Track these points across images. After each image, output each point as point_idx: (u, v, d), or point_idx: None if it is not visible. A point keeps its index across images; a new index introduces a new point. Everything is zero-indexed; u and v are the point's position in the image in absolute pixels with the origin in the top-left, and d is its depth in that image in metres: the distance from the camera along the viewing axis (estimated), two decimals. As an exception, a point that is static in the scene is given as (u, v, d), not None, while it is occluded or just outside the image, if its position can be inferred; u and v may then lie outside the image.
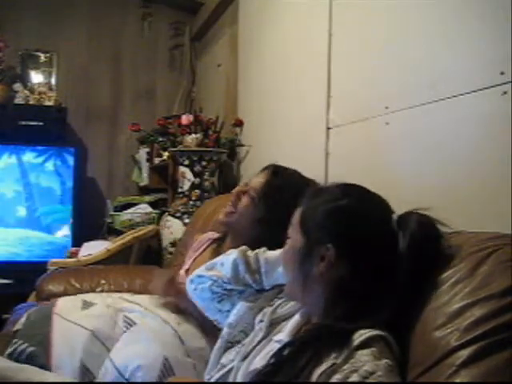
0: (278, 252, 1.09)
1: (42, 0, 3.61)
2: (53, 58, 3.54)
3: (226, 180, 2.87)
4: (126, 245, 2.61)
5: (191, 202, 2.64)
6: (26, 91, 3.33)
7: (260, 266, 1.10)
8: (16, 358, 1.25)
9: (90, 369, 1.23)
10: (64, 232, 3.27)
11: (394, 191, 1.04)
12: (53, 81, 3.53)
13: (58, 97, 3.41)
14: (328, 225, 0.91)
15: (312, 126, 1.92)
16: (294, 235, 0.96)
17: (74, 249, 2.83)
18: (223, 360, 1.03)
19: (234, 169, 2.93)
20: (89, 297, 1.52)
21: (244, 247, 1.16)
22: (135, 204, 3.27)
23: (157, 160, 3.36)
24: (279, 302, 1.05)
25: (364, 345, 0.79)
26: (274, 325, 1.00)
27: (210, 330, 1.29)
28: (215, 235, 1.66)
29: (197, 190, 2.64)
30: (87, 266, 2.38)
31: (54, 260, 2.46)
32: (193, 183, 2.65)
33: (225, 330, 1.08)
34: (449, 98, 1.24)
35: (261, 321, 1.02)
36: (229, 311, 1.13)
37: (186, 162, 2.66)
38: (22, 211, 3.27)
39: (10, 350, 1.27)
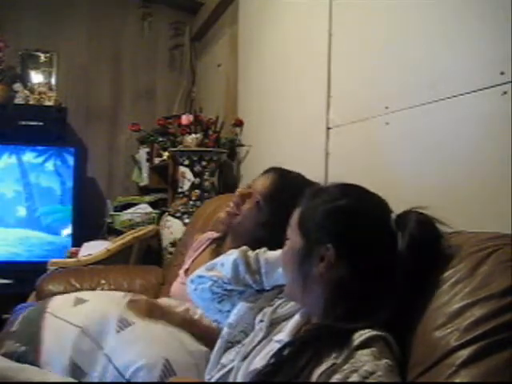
0: (278, 252, 1.09)
1: (42, 0, 3.61)
2: (53, 57, 3.54)
3: (226, 180, 2.87)
4: (125, 245, 2.61)
5: (191, 202, 2.64)
6: (26, 91, 3.33)
7: (260, 266, 1.10)
8: (9, 358, 1.26)
9: (81, 366, 1.22)
10: (67, 232, 3.27)
11: (394, 191, 1.04)
12: (53, 81, 3.53)
13: (57, 97, 3.41)
14: (327, 225, 0.91)
15: (312, 126, 1.92)
16: (293, 236, 0.96)
17: (74, 249, 2.83)
18: (223, 360, 1.03)
19: (233, 169, 2.93)
20: (82, 294, 1.51)
21: (244, 247, 1.16)
22: (135, 204, 3.27)
23: (157, 160, 3.36)
24: (279, 302, 1.05)
25: (364, 345, 0.79)
26: (274, 325, 1.00)
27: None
28: (215, 235, 1.66)
29: (197, 190, 2.64)
30: (87, 265, 2.38)
31: (54, 260, 2.46)
32: (193, 183, 2.65)
33: (225, 330, 1.08)
34: (449, 98, 1.24)
35: (261, 321, 1.02)
36: (229, 311, 1.13)
37: (186, 162, 2.66)
38: (21, 211, 3.27)
39: (2, 351, 1.27)
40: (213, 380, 1.02)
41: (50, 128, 3.25)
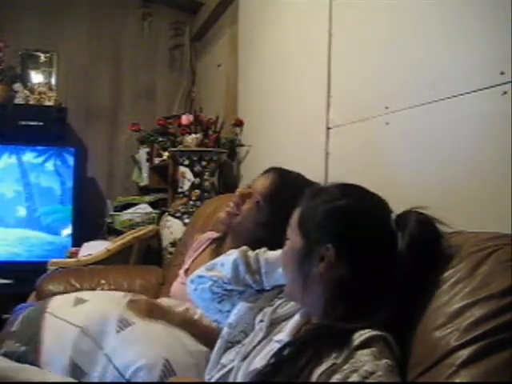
0: (278, 252, 1.09)
1: (42, 0, 3.61)
2: (53, 57, 3.54)
3: (226, 180, 2.87)
4: (125, 245, 2.61)
5: (191, 202, 2.64)
6: (26, 91, 3.33)
7: (260, 266, 1.10)
8: (9, 358, 1.26)
9: (81, 366, 1.22)
10: (67, 232, 3.27)
11: (394, 191, 1.04)
12: (53, 81, 3.53)
13: (58, 97, 3.41)
14: (327, 225, 0.91)
15: (312, 126, 1.92)
16: (293, 236, 0.96)
17: (74, 249, 2.83)
18: (223, 360, 1.03)
19: (233, 169, 2.93)
20: (82, 294, 1.51)
21: (244, 247, 1.16)
22: (135, 204, 3.27)
23: (157, 160, 3.36)
24: (279, 302, 1.05)
25: (364, 345, 0.80)
26: (274, 325, 1.00)
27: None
28: (214, 235, 1.66)
29: (197, 190, 2.64)
30: (87, 265, 2.38)
31: (54, 260, 2.46)
32: (193, 183, 2.65)
33: (225, 330, 1.08)
34: (449, 98, 1.24)
35: (261, 321, 1.02)
36: (229, 311, 1.13)
37: (186, 162, 2.66)
38: (22, 211, 3.27)
39: (2, 351, 1.27)
40: (213, 380, 1.02)
41: (50, 128, 3.25)
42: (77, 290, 1.88)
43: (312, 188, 1.01)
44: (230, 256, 1.14)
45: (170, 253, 2.55)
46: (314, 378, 0.79)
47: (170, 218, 2.67)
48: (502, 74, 1.08)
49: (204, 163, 2.65)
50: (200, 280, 1.18)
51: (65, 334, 1.27)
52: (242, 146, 2.76)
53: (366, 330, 0.81)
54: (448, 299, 0.84)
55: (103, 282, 2.00)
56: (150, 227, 2.83)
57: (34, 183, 3.27)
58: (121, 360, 1.19)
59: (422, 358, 0.82)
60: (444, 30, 1.28)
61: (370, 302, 0.86)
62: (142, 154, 3.56)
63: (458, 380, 0.76)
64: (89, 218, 3.25)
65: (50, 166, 3.29)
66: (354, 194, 0.95)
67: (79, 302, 1.40)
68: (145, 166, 3.54)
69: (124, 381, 1.16)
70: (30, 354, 1.26)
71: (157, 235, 2.76)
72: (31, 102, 3.31)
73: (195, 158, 2.64)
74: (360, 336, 0.81)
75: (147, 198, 3.36)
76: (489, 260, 0.84)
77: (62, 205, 3.29)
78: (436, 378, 0.78)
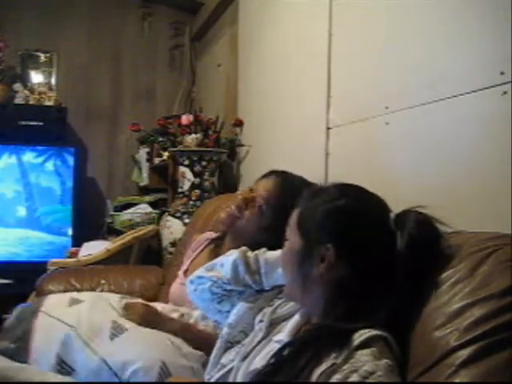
0: (277, 252, 1.09)
1: (42, 0, 3.61)
2: (53, 58, 3.55)
3: (226, 180, 2.87)
4: (125, 245, 2.61)
5: (191, 202, 2.64)
6: (26, 91, 3.33)
7: (260, 266, 1.10)
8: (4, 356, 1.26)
9: (68, 363, 1.22)
10: (67, 232, 3.26)
11: (394, 191, 1.04)
12: (53, 81, 3.53)
13: (58, 97, 3.41)
14: (327, 225, 0.91)
15: (312, 126, 1.92)
16: (292, 237, 0.96)
17: (74, 249, 2.83)
18: (223, 360, 1.03)
19: (233, 169, 2.93)
20: (78, 294, 1.50)
21: (244, 248, 1.15)
22: (135, 204, 3.27)
23: (157, 160, 3.36)
24: (279, 302, 1.05)
25: (364, 345, 0.80)
26: (273, 325, 1.00)
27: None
28: (213, 235, 1.66)
29: (197, 190, 2.64)
30: (87, 265, 2.38)
31: (54, 260, 2.46)
32: (193, 183, 2.65)
33: (224, 330, 1.08)
34: (449, 98, 1.24)
35: (260, 321, 1.02)
36: (229, 312, 1.13)
37: (186, 162, 2.66)
38: (22, 211, 3.27)
39: None
40: (212, 380, 1.02)
41: (50, 128, 3.25)
42: (77, 289, 1.88)
43: (310, 188, 1.01)
44: (230, 256, 1.14)
45: (170, 253, 2.55)
46: (314, 377, 0.79)
47: (170, 217, 2.67)
48: (502, 74, 1.08)
49: (204, 163, 2.65)
50: (200, 280, 1.17)
51: (55, 333, 1.27)
52: (242, 145, 2.76)
53: (366, 330, 0.81)
54: (448, 299, 0.84)
55: (103, 281, 2.00)
56: (150, 227, 2.83)
57: (33, 183, 3.27)
58: (116, 362, 1.18)
59: (422, 358, 0.82)
60: (444, 30, 1.28)
61: (370, 302, 0.86)
62: (142, 154, 3.56)
63: (457, 380, 0.76)
64: (89, 218, 3.25)
65: (49, 165, 3.29)
66: (353, 193, 0.95)
67: (74, 302, 1.40)
68: (145, 166, 3.54)
69: (118, 380, 1.16)
70: (21, 352, 1.26)
71: (157, 235, 2.76)
72: (31, 102, 3.31)
73: (195, 158, 2.64)
74: (360, 336, 0.81)
75: (147, 198, 3.36)
76: (489, 260, 0.84)
77: (62, 205, 3.29)
78: (436, 378, 0.78)
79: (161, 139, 2.89)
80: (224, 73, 3.22)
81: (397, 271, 0.86)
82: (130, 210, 3.21)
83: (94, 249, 2.62)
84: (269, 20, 2.45)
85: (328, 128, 1.81)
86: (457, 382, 0.76)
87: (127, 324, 1.30)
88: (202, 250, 1.64)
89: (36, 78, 3.48)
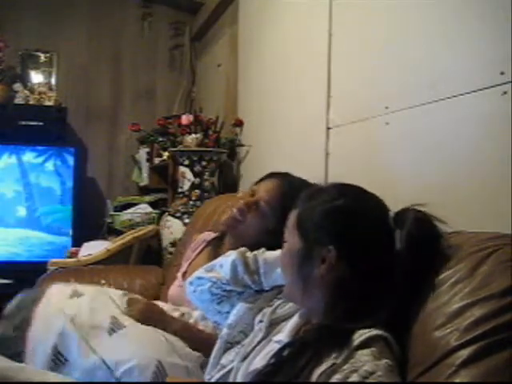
0: (276, 252, 1.09)
1: (42, 0, 3.61)
2: (53, 58, 3.54)
3: (226, 180, 2.87)
4: (125, 245, 2.61)
5: (191, 202, 2.64)
6: (26, 91, 3.33)
7: (259, 266, 1.10)
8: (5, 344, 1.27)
9: (63, 353, 1.22)
10: (67, 232, 3.26)
11: (394, 191, 1.04)
12: (53, 81, 3.53)
13: (58, 97, 3.41)
14: (326, 225, 0.91)
15: (312, 126, 1.92)
16: (291, 238, 0.95)
17: (74, 249, 2.83)
18: (223, 360, 1.03)
19: (233, 169, 2.93)
20: (80, 287, 1.50)
21: (243, 248, 1.15)
22: (135, 204, 3.27)
23: (157, 160, 3.36)
24: (278, 302, 1.04)
25: (364, 345, 0.80)
26: (273, 325, 1.00)
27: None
28: (212, 235, 1.65)
29: (197, 190, 2.64)
30: (87, 265, 2.38)
31: (54, 260, 2.46)
32: (193, 183, 2.65)
33: (224, 331, 1.08)
34: (449, 98, 1.24)
35: (260, 321, 1.02)
36: (228, 312, 1.13)
37: (186, 162, 2.66)
38: (22, 211, 3.27)
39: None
40: (212, 380, 1.02)
41: (50, 128, 3.24)
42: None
43: (308, 189, 1.01)
44: (229, 257, 1.14)
45: (170, 253, 2.55)
46: (314, 378, 0.79)
47: (170, 217, 2.67)
48: (502, 74, 1.08)
49: (204, 163, 2.65)
50: (199, 281, 1.17)
51: (53, 323, 1.27)
52: (242, 145, 2.76)
53: (366, 330, 0.81)
54: (448, 299, 0.84)
55: (103, 282, 2.00)
56: (150, 227, 2.83)
57: (33, 183, 3.27)
58: (112, 358, 1.18)
59: (422, 358, 0.82)
60: (444, 30, 1.28)
61: (370, 302, 0.86)
62: (142, 154, 3.56)
63: (457, 380, 0.76)
64: (89, 218, 3.25)
65: (50, 165, 3.29)
66: (352, 193, 0.95)
67: (75, 294, 1.40)
68: (145, 166, 3.54)
69: (113, 379, 1.16)
70: (18, 342, 1.26)
71: (157, 235, 2.76)
72: (31, 102, 3.31)
73: (195, 158, 2.64)
74: (360, 336, 0.81)
75: (147, 198, 3.36)
76: (489, 260, 0.84)
77: (62, 205, 3.29)
78: (436, 378, 0.78)
79: (161, 139, 2.89)
80: (224, 73, 3.22)
81: (396, 270, 0.86)
82: (130, 210, 3.21)
83: (94, 249, 2.62)
84: (269, 20, 2.45)
85: (328, 128, 1.81)
86: (457, 382, 0.76)
87: (126, 321, 1.30)
88: (200, 251, 1.64)
89: (36, 78, 3.48)
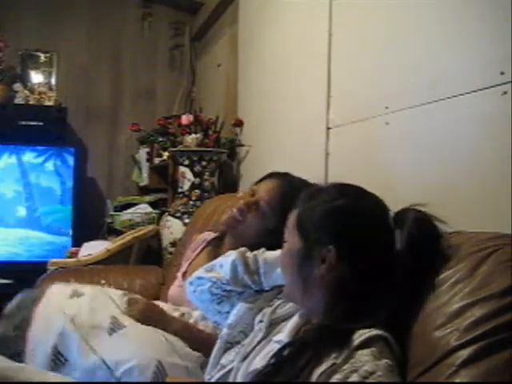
0: (276, 252, 1.09)
1: (42, 0, 3.61)
2: (53, 58, 3.54)
3: (226, 180, 2.87)
4: (125, 245, 2.61)
5: (191, 202, 2.64)
6: (26, 91, 3.33)
7: (259, 266, 1.10)
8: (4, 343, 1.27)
9: (63, 353, 1.22)
10: (67, 232, 3.26)
11: (394, 191, 1.04)
12: (53, 81, 3.53)
13: (58, 97, 3.41)
14: (327, 225, 0.91)
15: (312, 126, 1.92)
16: (291, 239, 0.95)
17: (74, 249, 2.83)
18: (223, 361, 1.03)
19: (233, 169, 2.93)
20: (80, 287, 1.50)
21: (243, 248, 1.15)
22: (135, 204, 3.27)
23: (157, 160, 3.36)
24: (278, 302, 1.04)
25: (364, 345, 0.80)
26: (273, 325, 1.00)
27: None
28: (212, 235, 1.65)
29: (197, 190, 2.64)
30: (87, 265, 2.38)
31: (54, 260, 2.46)
32: (193, 183, 2.65)
33: (224, 331, 1.08)
34: (449, 98, 1.24)
35: (260, 321, 1.02)
36: (228, 312, 1.13)
37: (186, 162, 2.66)
38: (22, 211, 3.27)
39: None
40: (213, 380, 1.02)
41: (50, 128, 3.24)
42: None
43: (307, 189, 1.01)
44: (229, 257, 1.14)
45: (170, 253, 2.55)
46: (314, 377, 0.79)
47: (170, 217, 2.67)
48: (502, 74, 1.08)
49: (204, 163, 2.65)
50: (199, 281, 1.17)
51: (53, 323, 1.27)
52: (242, 145, 2.76)
53: (366, 330, 0.81)
54: (448, 299, 0.84)
55: (103, 282, 2.00)
56: (150, 227, 2.83)
57: (34, 183, 3.27)
58: (112, 358, 1.18)
59: (422, 358, 0.82)
60: (444, 30, 1.28)
61: (370, 302, 0.86)
62: (142, 154, 3.56)
63: (458, 380, 0.76)
64: (89, 218, 3.25)
65: (50, 165, 3.29)
66: (352, 193, 0.95)
67: (76, 294, 1.40)
68: (145, 166, 3.54)
69: (113, 379, 1.16)
70: (18, 341, 1.26)
71: (157, 235, 2.76)
72: (31, 102, 3.31)
73: (195, 158, 2.64)
74: (360, 336, 0.81)
75: (147, 198, 3.36)
76: (489, 260, 0.84)
77: (62, 205, 3.29)
78: (436, 378, 0.79)
79: (161, 139, 2.89)
80: (224, 73, 3.22)
81: (396, 270, 0.86)
82: (130, 210, 3.21)
83: (94, 249, 2.62)
84: (269, 20, 2.45)
85: (328, 128, 1.81)
86: (457, 382, 0.76)
87: (126, 321, 1.30)
88: (200, 251, 1.64)
89: (36, 78, 3.48)
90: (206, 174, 2.66)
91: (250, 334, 1.02)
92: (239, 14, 2.89)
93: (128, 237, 2.67)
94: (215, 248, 1.55)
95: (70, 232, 3.25)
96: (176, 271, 1.73)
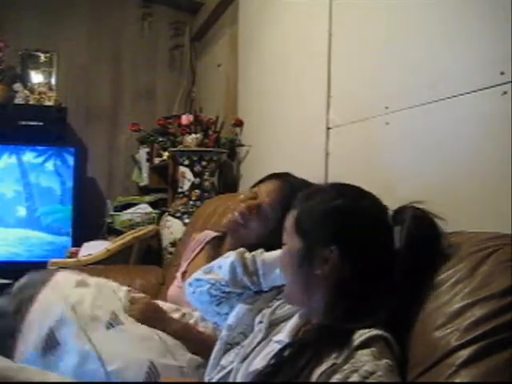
0: (274, 253, 1.09)
1: (42, 0, 3.61)
2: (53, 58, 3.54)
3: (225, 180, 2.87)
4: (125, 245, 2.61)
5: (191, 202, 2.64)
6: (26, 91, 3.33)
7: (257, 267, 1.10)
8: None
9: (57, 337, 1.22)
10: (67, 232, 3.26)
11: (394, 191, 1.04)
12: (53, 81, 3.53)
13: (58, 97, 3.41)
14: (328, 225, 0.91)
15: (312, 126, 1.92)
16: (290, 240, 0.95)
17: (74, 249, 2.83)
18: (223, 362, 1.03)
19: (233, 169, 2.93)
20: (86, 278, 1.49)
21: (242, 249, 1.15)
22: (135, 204, 3.27)
23: (157, 160, 3.36)
24: (278, 303, 1.04)
25: (364, 345, 0.80)
26: (273, 326, 1.00)
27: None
28: (212, 234, 1.65)
29: (197, 190, 2.64)
30: (87, 265, 2.38)
31: (54, 260, 2.46)
32: (193, 183, 2.65)
33: (224, 332, 1.08)
34: (449, 98, 1.24)
35: (260, 322, 1.02)
36: (227, 314, 1.12)
37: (186, 162, 2.66)
38: (22, 211, 3.27)
39: None
40: (213, 381, 1.02)
41: (50, 128, 3.24)
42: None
43: (305, 190, 1.00)
44: (228, 258, 1.14)
45: (170, 253, 2.55)
46: (314, 377, 0.79)
47: (170, 217, 2.67)
48: (502, 74, 1.08)
49: (204, 163, 2.65)
50: (198, 283, 1.17)
51: (53, 309, 1.27)
52: (242, 145, 2.76)
53: (366, 330, 0.81)
54: (448, 299, 0.84)
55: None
56: (150, 227, 2.83)
57: (34, 183, 3.27)
58: (106, 352, 1.18)
59: (422, 358, 0.82)
60: (444, 30, 1.28)
61: (370, 302, 0.86)
62: (142, 154, 3.56)
63: (458, 380, 0.76)
64: (89, 218, 3.25)
65: (50, 166, 3.29)
66: (351, 193, 0.95)
67: (81, 284, 1.39)
68: (145, 166, 3.54)
69: (103, 372, 1.15)
70: (17, 319, 1.27)
71: (157, 235, 2.76)
72: (31, 102, 3.31)
73: (195, 158, 2.64)
74: (360, 336, 0.81)
75: (147, 198, 3.36)
76: (489, 260, 0.84)
77: (62, 205, 3.29)
78: (436, 378, 0.79)
79: (161, 139, 2.89)
80: (224, 73, 3.22)
81: (396, 270, 0.86)
82: (130, 210, 3.21)
83: (94, 249, 2.62)
84: (269, 20, 2.45)
85: (328, 128, 1.81)
86: (457, 382, 0.76)
87: (125, 318, 1.30)
88: (200, 251, 1.64)
89: (36, 78, 3.48)
90: (206, 173, 2.66)
91: (249, 335, 1.02)
92: (239, 14, 2.89)
93: (128, 237, 2.67)
94: (215, 248, 1.55)
95: (70, 232, 3.25)
96: (175, 271, 1.73)
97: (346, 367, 0.77)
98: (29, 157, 3.26)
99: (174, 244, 2.55)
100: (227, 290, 1.13)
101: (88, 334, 1.22)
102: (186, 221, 2.54)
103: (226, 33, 3.20)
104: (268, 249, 1.14)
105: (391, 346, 0.82)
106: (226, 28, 3.21)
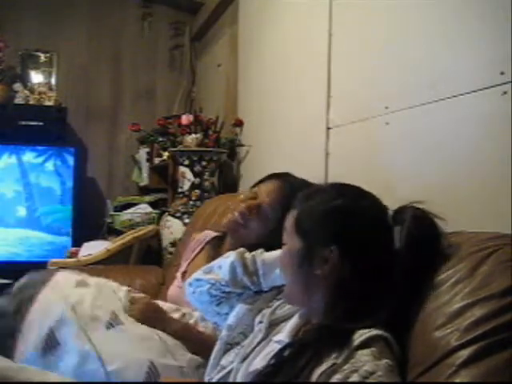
0: (274, 253, 1.09)
1: (42, 0, 3.61)
2: (53, 58, 3.54)
3: (225, 180, 2.87)
4: (125, 245, 2.61)
5: (191, 202, 2.64)
6: (26, 91, 3.33)
7: (257, 267, 1.10)
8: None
9: (56, 337, 1.22)
10: (67, 232, 3.26)
11: (394, 191, 1.04)
12: (53, 81, 3.53)
13: (58, 97, 3.41)
14: (328, 225, 0.91)
15: (312, 126, 1.92)
16: (289, 240, 0.95)
17: (74, 249, 2.83)
18: (223, 362, 1.03)
19: (233, 169, 2.93)
20: (86, 277, 1.49)
21: (241, 249, 1.15)
22: (135, 204, 3.27)
23: (157, 160, 3.36)
24: (278, 303, 1.04)
25: (364, 345, 0.80)
26: (273, 326, 1.00)
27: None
28: (211, 234, 1.65)
29: (197, 190, 2.64)
30: (87, 265, 2.38)
31: (54, 260, 2.46)
32: (193, 183, 2.65)
33: (224, 333, 1.08)
34: (449, 98, 1.24)
35: (260, 322, 1.02)
36: (227, 314, 1.12)
37: (186, 162, 2.66)
38: (22, 211, 3.27)
39: None
40: (213, 381, 1.02)
41: (50, 128, 3.24)
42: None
43: (305, 190, 1.00)
44: (228, 258, 1.14)
45: (170, 253, 2.55)
46: (314, 377, 0.79)
47: (170, 217, 2.67)
48: (502, 74, 1.08)
49: (204, 163, 2.65)
50: (198, 283, 1.17)
51: (53, 309, 1.27)
52: (242, 145, 2.76)
53: (367, 330, 0.81)
54: (448, 299, 0.84)
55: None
56: (150, 227, 2.83)
57: (34, 183, 3.27)
58: (106, 352, 1.18)
59: (422, 358, 0.82)
60: (444, 30, 1.28)
61: (370, 302, 0.86)
62: (142, 154, 3.56)
63: (458, 380, 0.76)
64: (89, 218, 3.25)
65: (50, 166, 3.29)
66: (350, 193, 0.95)
67: (81, 284, 1.39)
68: (145, 166, 3.54)
69: (103, 372, 1.15)
70: (17, 319, 1.27)
71: (157, 235, 2.76)
72: (31, 102, 3.31)
73: (195, 158, 2.64)
74: (360, 336, 0.81)
75: (147, 198, 3.36)
76: (489, 260, 0.84)
77: (62, 205, 3.29)
78: (436, 378, 0.79)
79: (161, 139, 2.89)
80: (224, 73, 3.22)
81: (396, 269, 0.86)
82: (130, 210, 3.21)
83: (94, 249, 2.62)
84: (269, 20, 2.45)
85: (328, 128, 1.81)
86: (457, 382, 0.76)
87: (125, 319, 1.30)
88: (200, 251, 1.64)
89: (36, 77, 3.48)
90: (206, 173, 2.66)
91: (249, 335, 1.02)
92: (239, 14, 2.89)
93: (128, 237, 2.67)
94: (215, 248, 1.55)
95: (70, 232, 3.25)
96: (175, 271, 1.73)
97: (346, 367, 0.77)
98: (29, 157, 3.26)
99: (174, 244, 2.55)
100: (227, 289, 1.13)
101: (88, 333, 1.22)
102: (186, 221, 2.54)
103: (226, 33, 3.20)
104: (268, 249, 1.14)
105: (391, 346, 0.82)
106: (226, 28, 3.21)
